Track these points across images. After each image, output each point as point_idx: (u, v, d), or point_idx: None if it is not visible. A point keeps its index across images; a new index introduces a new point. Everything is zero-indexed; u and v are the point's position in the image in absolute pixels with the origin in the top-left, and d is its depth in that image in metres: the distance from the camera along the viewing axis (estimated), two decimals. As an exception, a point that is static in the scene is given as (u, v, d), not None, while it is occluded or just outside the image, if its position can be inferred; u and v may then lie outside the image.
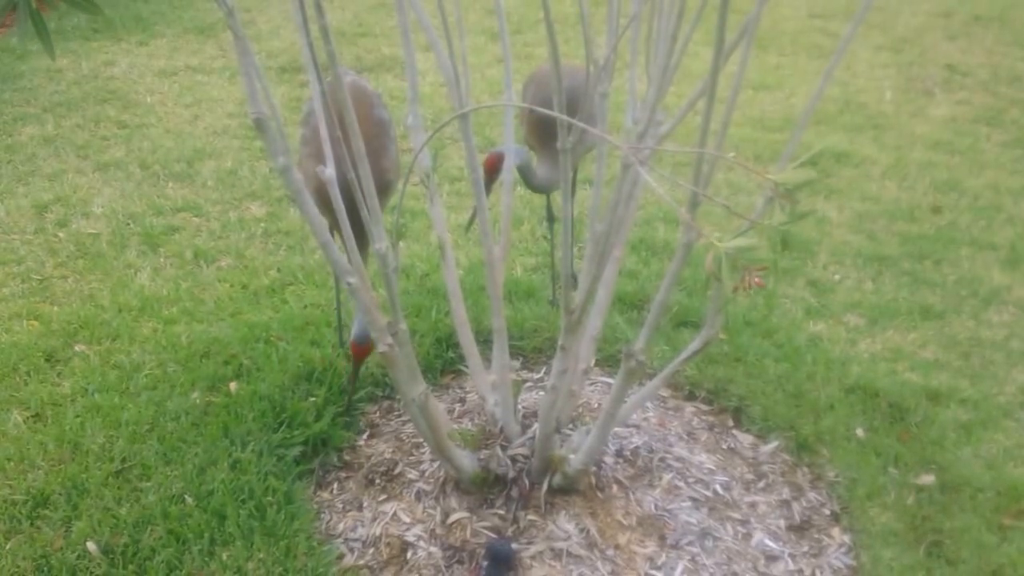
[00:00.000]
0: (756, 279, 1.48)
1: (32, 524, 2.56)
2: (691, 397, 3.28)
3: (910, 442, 3.04)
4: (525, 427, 2.78)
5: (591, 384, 3.23)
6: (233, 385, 3.08)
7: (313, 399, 3.00)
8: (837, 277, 4.10)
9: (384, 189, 2.77)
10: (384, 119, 2.87)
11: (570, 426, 2.86)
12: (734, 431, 3.14)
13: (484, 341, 2.96)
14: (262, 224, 4.37)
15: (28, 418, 2.97)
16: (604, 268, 2.31)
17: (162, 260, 4.04)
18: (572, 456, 2.58)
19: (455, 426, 2.91)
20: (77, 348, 3.34)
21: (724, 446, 3.06)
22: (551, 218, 3.70)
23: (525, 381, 3.25)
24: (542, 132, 3.19)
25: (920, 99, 6.58)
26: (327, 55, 1.87)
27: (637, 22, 2.30)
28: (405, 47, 2.57)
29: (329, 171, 2.22)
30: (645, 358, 2.28)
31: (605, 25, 2.36)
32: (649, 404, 3.17)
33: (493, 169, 2.97)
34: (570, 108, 2.17)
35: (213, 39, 7.43)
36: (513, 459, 2.69)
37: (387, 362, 2.29)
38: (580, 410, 3.02)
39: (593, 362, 3.30)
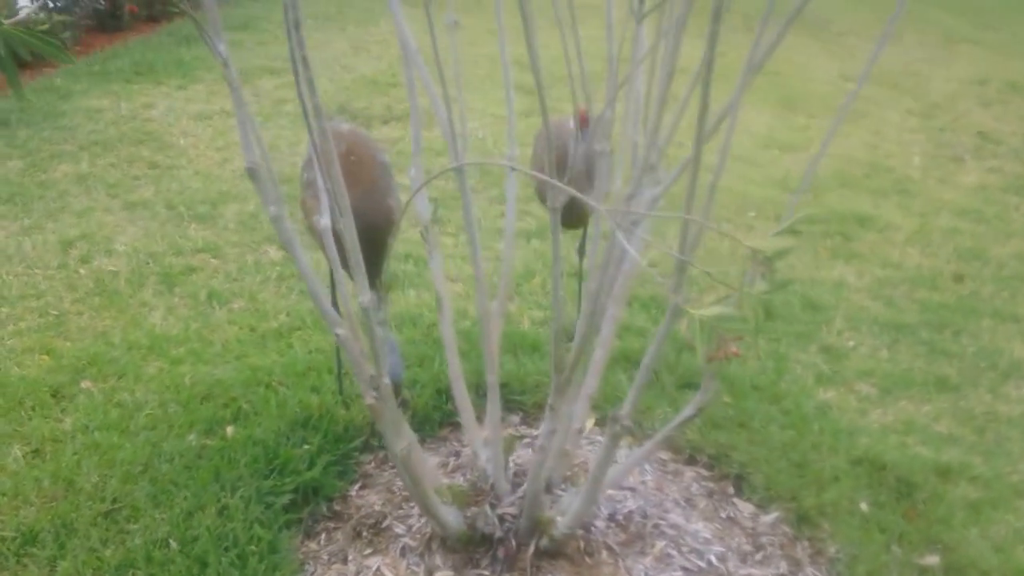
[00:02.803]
0: (733, 349, 1.47)
1: (19, 562, 2.56)
2: (692, 461, 3.23)
3: (916, 519, 2.97)
4: (516, 485, 2.75)
5: (589, 444, 3.19)
6: (230, 429, 3.08)
7: (307, 446, 2.99)
8: (852, 344, 4.05)
9: (390, 228, 2.80)
10: (386, 162, 2.93)
11: (563, 487, 2.83)
12: (734, 499, 3.09)
13: (483, 394, 2.94)
14: (278, 268, 4.40)
15: (27, 453, 2.99)
16: (596, 326, 2.29)
17: (177, 300, 4.07)
18: (560, 518, 2.54)
19: (447, 480, 2.89)
20: (83, 385, 3.36)
21: (723, 514, 3.01)
22: (582, 252, 3.65)
23: (523, 437, 3.22)
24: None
25: (949, 165, 6.53)
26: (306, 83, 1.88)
27: (631, 82, 2.30)
28: (411, 100, 2.59)
29: (324, 220, 2.24)
30: (630, 423, 2.25)
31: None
32: (648, 467, 3.14)
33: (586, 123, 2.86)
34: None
35: (249, 85, 7.55)
36: (501, 518, 2.66)
37: (373, 415, 2.28)
38: (576, 470, 2.98)
39: (593, 422, 3.29)
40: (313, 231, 2.57)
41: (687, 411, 2.42)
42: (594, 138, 2.28)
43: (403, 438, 2.28)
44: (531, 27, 1.90)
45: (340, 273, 2.19)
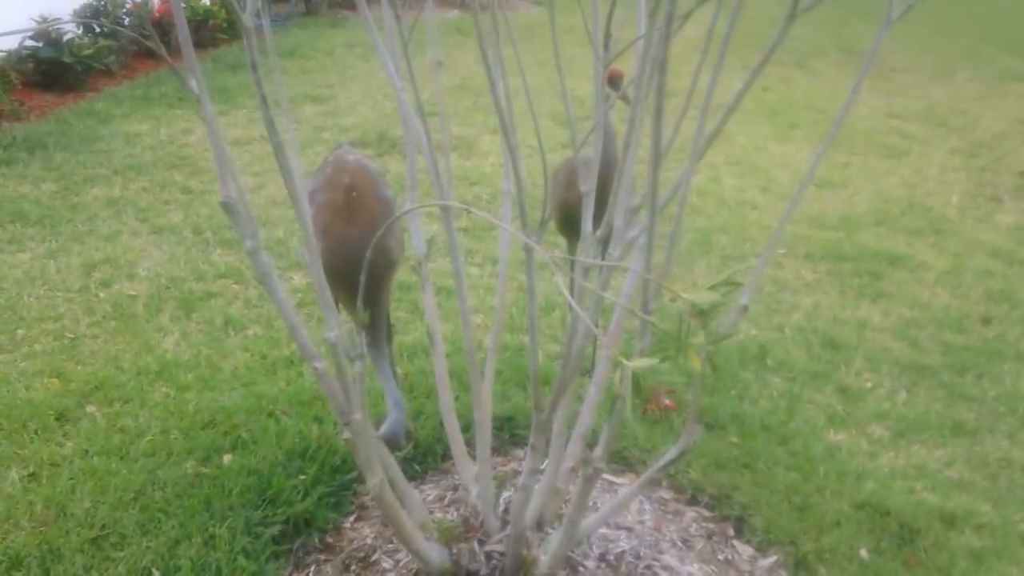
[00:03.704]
0: (667, 401, 1.44)
1: (1, 587, 2.59)
2: (694, 501, 3.18)
3: (916, 568, 2.89)
4: (507, 523, 2.72)
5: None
6: (227, 457, 3.09)
7: (303, 477, 2.99)
8: (869, 385, 3.97)
9: (388, 267, 2.79)
10: (388, 198, 2.88)
11: (555, 525, 2.79)
12: (734, 541, 3.03)
13: (497, 428, 2.91)
14: (299, 295, 4.43)
15: (24, 476, 3.02)
16: (574, 367, 2.27)
17: (193, 325, 4.11)
18: (543, 558, 2.51)
19: (440, 515, 2.88)
20: (88, 409, 3.40)
21: (720, 557, 2.95)
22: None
23: (519, 474, 3.19)
24: (566, 221, 3.26)
25: (987, 205, 6.41)
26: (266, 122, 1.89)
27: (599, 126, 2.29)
28: (406, 132, 2.60)
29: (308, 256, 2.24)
30: (603, 465, 2.22)
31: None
32: (647, 506, 3.09)
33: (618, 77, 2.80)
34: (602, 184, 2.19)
35: (292, 112, 7.66)
36: (488, 555, 2.63)
37: (351, 448, 2.27)
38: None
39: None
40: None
41: (671, 453, 2.38)
42: (581, 179, 2.27)
43: (376, 474, 2.26)
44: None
45: (330, 301, 2.18)
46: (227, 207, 2.02)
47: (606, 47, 1.93)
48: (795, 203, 2.15)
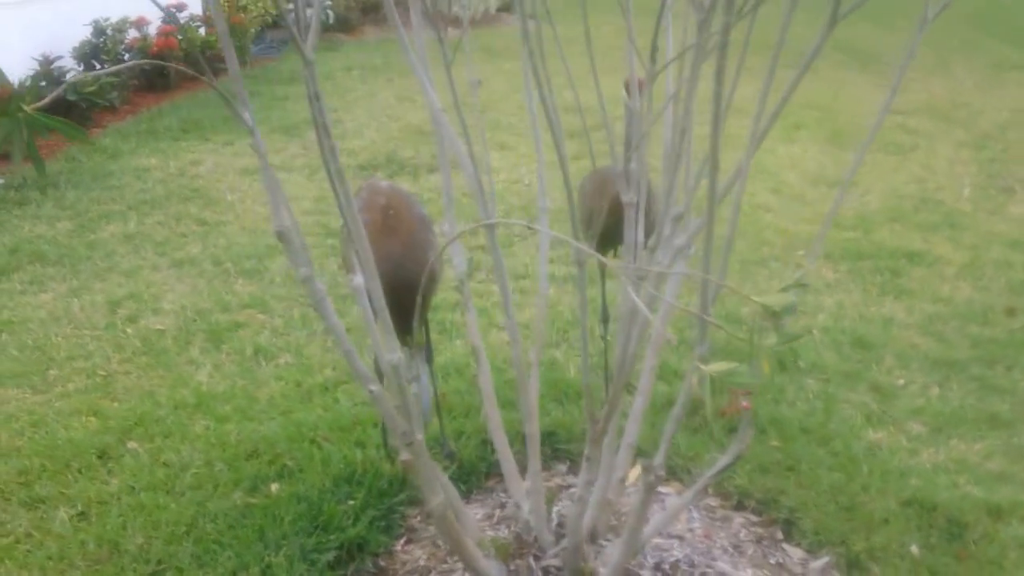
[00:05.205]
0: (744, 403, 1.45)
1: (65, 625, 2.60)
2: (740, 507, 3.18)
3: (968, 561, 2.89)
4: (560, 536, 2.73)
5: (634, 492, 3.15)
6: (275, 486, 3.10)
7: (352, 502, 2.99)
8: (901, 382, 3.97)
9: (430, 281, 2.82)
10: (424, 216, 2.96)
11: (608, 536, 2.80)
12: (783, 544, 3.03)
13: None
14: (323, 322, 4.43)
15: (73, 516, 3.02)
16: (626, 377, 2.27)
17: (223, 357, 4.11)
18: (602, 569, 2.52)
19: (491, 533, 2.88)
20: (130, 445, 3.40)
21: (772, 561, 2.95)
22: (605, 319, 3.68)
23: (570, 487, 3.20)
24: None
25: (1000, 197, 6.43)
26: (327, 151, 1.91)
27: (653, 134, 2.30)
28: (440, 156, 2.62)
29: (358, 279, 2.25)
30: (664, 472, 2.23)
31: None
32: (695, 514, 3.09)
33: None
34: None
35: (298, 138, 7.69)
36: (545, 570, 2.64)
37: (408, 471, 2.28)
38: (621, 519, 2.95)
39: (639, 470, 3.25)
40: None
41: (724, 459, 2.39)
42: (624, 190, 2.28)
43: (438, 494, 2.27)
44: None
45: (375, 326, 2.20)
46: (281, 236, 2.03)
47: (653, 59, 1.95)
48: (834, 209, 2.16)
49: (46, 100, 1.98)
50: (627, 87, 2.66)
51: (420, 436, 2.17)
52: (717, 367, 1.38)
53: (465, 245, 3.44)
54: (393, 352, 2.04)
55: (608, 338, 3.74)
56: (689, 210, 2.13)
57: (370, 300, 2.07)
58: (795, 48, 1.80)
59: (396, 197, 2.94)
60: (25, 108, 1.62)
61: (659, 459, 2.21)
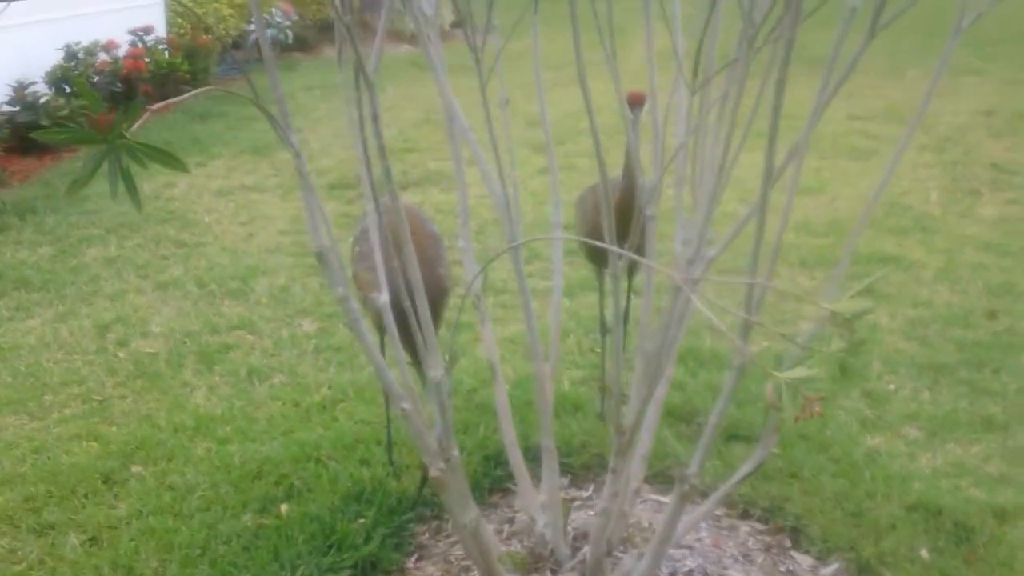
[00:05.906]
0: (817, 408, 1.48)
1: (85, 653, 2.57)
2: (746, 516, 3.21)
3: (977, 564, 2.94)
4: (575, 549, 2.75)
5: (641, 502, 3.18)
6: (284, 507, 3.09)
7: (363, 520, 2.99)
8: (892, 387, 4.04)
9: (441, 296, 2.84)
10: (436, 233, 3.01)
11: (621, 548, 2.82)
12: (792, 552, 3.07)
13: (533, 458, 2.94)
14: (313, 340, 4.43)
15: (84, 541, 2.99)
16: (654, 387, 2.30)
17: (217, 378, 4.09)
18: (625, 581, 2.54)
19: (504, 548, 2.89)
20: (134, 469, 3.37)
21: (782, 569, 2.99)
22: (604, 331, 3.71)
23: (574, 500, 3.22)
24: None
25: (967, 199, 6.55)
26: (383, 172, 1.92)
27: (683, 150, 2.34)
28: (458, 175, 2.64)
29: (384, 297, 2.26)
30: (699, 481, 2.25)
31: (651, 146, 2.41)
32: (702, 523, 3.12)
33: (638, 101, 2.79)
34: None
35: (267, 159, 7.64)
36: (565, 583, 2.65)
37: (439, 487, 2.28)
38: (631, 530, 2.97)
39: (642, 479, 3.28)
40: (367, 304, 2.60)
41: (747, 467, 2.42)
42: (644, 203, 2.31)
43: (471, 509, 2.28)
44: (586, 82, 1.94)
45: (400, 348, 2.21)
46: (320, 256, 2.04)
47: (696, 73, 1.99)
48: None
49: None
50: (633, 103, 2.71)
51: (456, 452, 2.18)
52: (794, 374, 1.41)
53: (453, 259, 3.45)
54: (436, 369, 2.05)
55: (604, 351, 3.77)
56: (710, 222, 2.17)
57: (416, 316, 2.07)
58: (801, 55, 1.84)
59: (410, 215, 2.95)
60: (127, 135, 1.59)
61: (694, 468, 2.24)
